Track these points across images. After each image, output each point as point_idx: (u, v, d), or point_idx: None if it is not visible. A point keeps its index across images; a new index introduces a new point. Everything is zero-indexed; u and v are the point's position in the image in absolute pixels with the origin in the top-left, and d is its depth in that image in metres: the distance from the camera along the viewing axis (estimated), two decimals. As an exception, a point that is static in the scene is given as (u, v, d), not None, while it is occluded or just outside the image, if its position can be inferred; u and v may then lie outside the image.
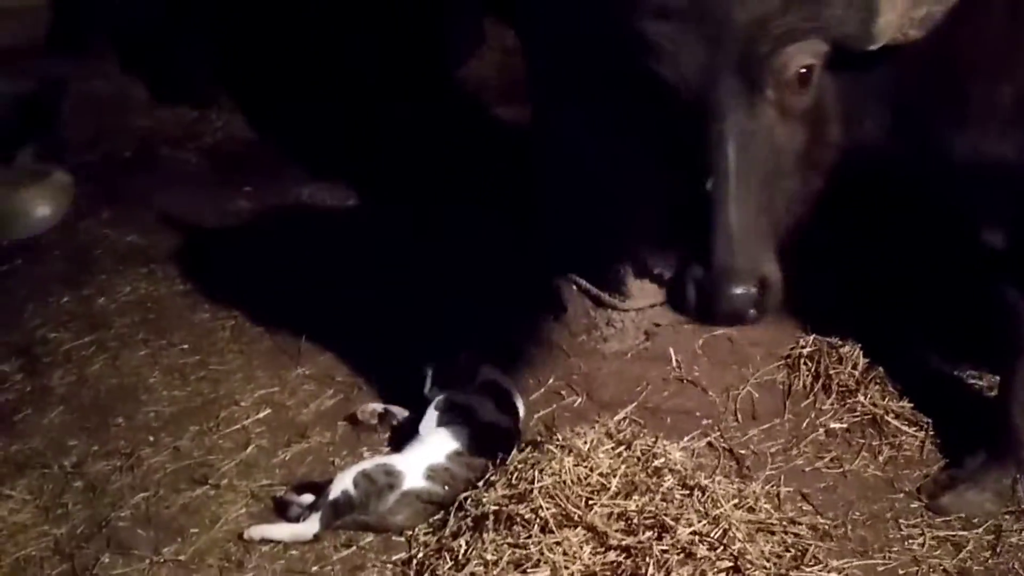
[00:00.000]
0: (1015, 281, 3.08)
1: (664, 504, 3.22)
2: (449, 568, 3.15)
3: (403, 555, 3.31)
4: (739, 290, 2.57)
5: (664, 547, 3.07)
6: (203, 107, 6.82)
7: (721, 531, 3.13)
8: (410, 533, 3.37)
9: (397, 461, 3.48)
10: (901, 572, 3.17)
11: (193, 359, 4.24)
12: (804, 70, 2.56)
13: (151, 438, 3.82)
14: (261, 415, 3.90)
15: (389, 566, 3.28)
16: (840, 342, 3.92)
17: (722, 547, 3.08)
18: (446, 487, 3.42)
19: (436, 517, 3.41)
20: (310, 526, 3.33)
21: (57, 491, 3.60)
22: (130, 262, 4.96)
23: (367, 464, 3.47)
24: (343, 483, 3.38)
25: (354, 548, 3.34)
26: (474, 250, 4.72)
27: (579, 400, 3.90)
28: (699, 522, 3.15)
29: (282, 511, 3.46)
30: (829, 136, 2.76)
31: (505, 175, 5.45)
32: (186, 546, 3.37)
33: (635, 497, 3.25)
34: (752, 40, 2.48)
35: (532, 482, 3.26)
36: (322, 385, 4.07)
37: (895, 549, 3.24)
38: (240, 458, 3.71)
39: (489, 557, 3.12)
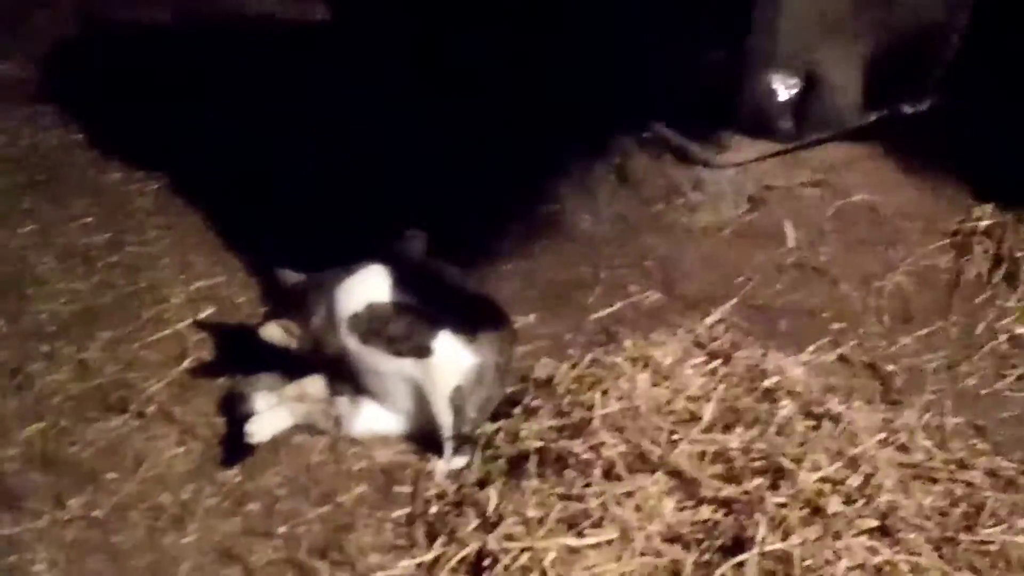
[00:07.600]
0: None
1: (780, 440, 3.24)
2: (473, 529, 3.16)
3: (406, 511, 3.33)
4: (770, 79, 2.60)
5: (781, 499, 3.08)
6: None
7: (862, 478, 3.14)
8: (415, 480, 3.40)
9: None
10: (1115, 538, 3.19)
11: (101, 237, 4.26)
12: None
13: (45, 348, 3.83)
14: (201, 316, 3.92)
15: (388, 525, 3.29)
16: (1029, 213, 3.93)
17: (864, 500, 3.09)
18: None
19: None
20: None
21: (-90, 421, 3.62)
22: (2, 97, 4.96)
23: None
24: None
25: (333, 504, 3.36)
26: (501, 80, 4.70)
27: (654, 295, 3.92)
28: (830, 465, 3.16)
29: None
30: None
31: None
32: (101, 498, 3.38)
33: (738, 430, 3.28)
34: None
35: (591, 409, 3.28)
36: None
37: (1105, 503, 3.26)
38: (172, 376, 3.72)
39: (531, 514, 3.12)
